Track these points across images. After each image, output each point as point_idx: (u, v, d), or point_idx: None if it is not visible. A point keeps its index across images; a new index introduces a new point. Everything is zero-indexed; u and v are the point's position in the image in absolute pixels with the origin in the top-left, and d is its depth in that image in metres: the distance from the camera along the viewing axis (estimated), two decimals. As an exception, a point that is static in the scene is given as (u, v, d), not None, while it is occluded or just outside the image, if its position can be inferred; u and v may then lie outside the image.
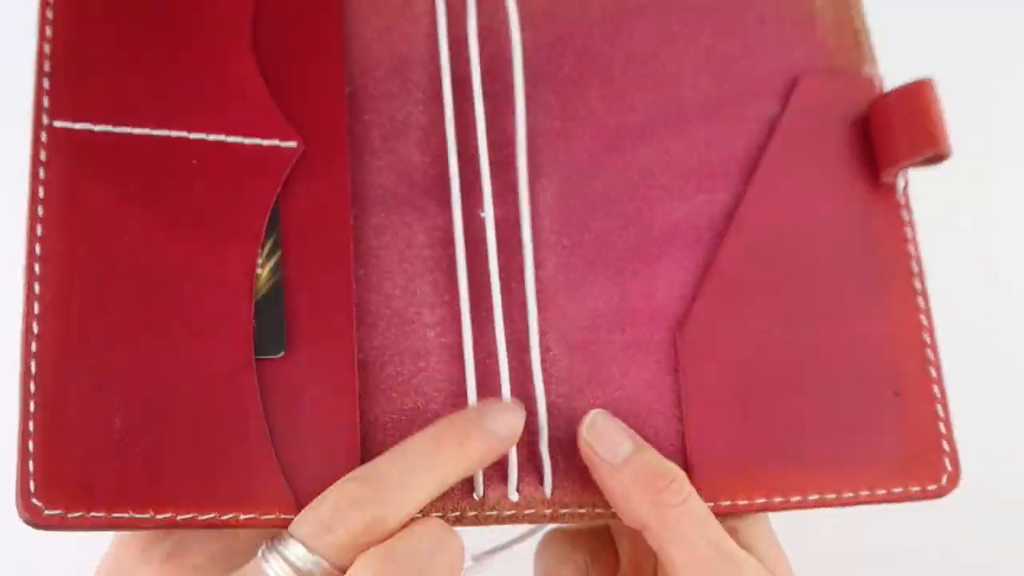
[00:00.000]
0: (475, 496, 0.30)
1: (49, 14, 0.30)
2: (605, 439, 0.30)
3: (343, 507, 0.26)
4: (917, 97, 0.33)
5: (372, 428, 0.30)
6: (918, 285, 0.33)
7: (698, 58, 0.35)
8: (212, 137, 0.30)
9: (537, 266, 0.32)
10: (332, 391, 0.29)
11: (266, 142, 0.31)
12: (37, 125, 0.29)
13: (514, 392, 0.31)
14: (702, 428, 0.31)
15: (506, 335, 0.32)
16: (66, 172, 0.29)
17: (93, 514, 0.26)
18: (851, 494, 0.31)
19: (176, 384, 0.28)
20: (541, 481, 0.31)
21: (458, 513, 0.30)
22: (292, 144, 0.31)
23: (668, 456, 0.30)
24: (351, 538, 0.26)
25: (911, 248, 0.34)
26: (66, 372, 0.27)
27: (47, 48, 0.30)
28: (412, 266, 0.32)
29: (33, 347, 0.27)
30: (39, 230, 0.28)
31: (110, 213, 0.29)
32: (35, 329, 0.27)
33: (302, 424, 0.29)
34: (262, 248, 0.30)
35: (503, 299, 0.32)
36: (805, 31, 0.36)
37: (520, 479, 0.31)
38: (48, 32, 0.30)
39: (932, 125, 0.32)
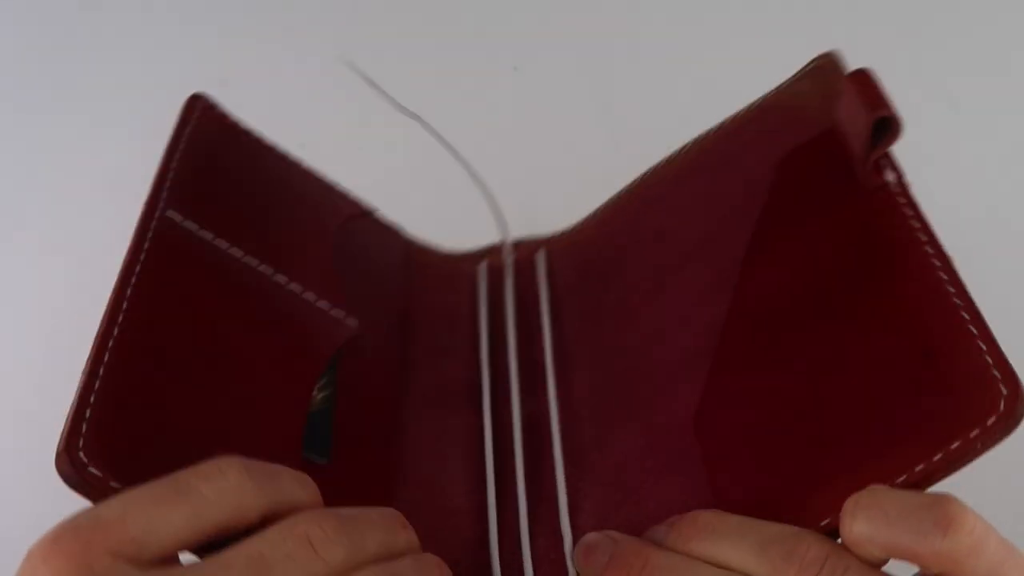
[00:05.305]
0: None
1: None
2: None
3: None
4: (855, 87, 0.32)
5: None
6: (930, 250, 0.30)
7: None
8: (290, 286, 0.34)
9: (566, 437, 0.34)
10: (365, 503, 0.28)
11: (333, 311, 0.35)
12: (150, 209, 0.32)
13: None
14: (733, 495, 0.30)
15: (531, 491, 0.33)
16: (160, 251, 0.31)
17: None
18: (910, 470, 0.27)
19: (227, 441, 0.28)
20: None
21: None
22: (354, 323, 0.35)
23: None
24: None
25: (914, 223, 0.31)
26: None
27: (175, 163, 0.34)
28: (446, 436, 0.35)
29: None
30: (128, 291, 0.29)
31: (194, 298, 0.31)
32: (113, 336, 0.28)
33: None
34: (321, 377, 0.33)
35: (526, 465, 0.34)
36: None
37: None
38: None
39: (869, 98, 0.31)
